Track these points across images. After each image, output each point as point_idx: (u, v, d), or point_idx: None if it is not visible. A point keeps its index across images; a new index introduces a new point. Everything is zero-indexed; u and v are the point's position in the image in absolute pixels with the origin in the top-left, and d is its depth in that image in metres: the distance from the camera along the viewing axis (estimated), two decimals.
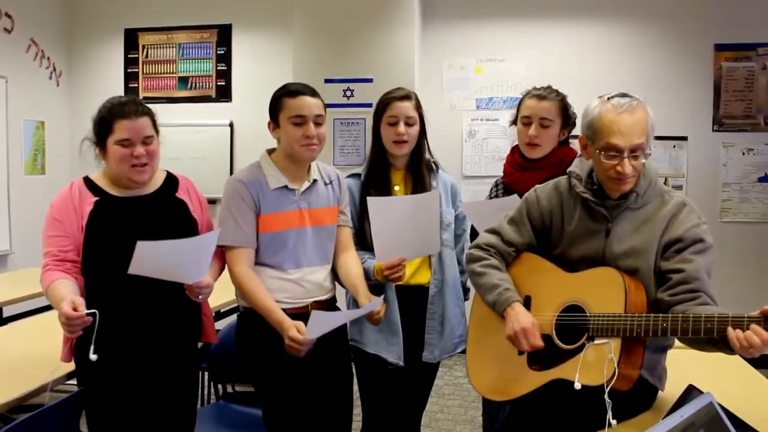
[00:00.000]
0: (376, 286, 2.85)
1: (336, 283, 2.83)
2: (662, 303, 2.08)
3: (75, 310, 2.21)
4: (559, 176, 2.41)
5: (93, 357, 2.28)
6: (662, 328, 1.97)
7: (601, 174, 2.17)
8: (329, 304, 2.77)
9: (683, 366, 2.06)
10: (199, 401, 3.18)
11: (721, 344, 1.94)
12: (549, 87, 3.00)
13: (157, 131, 2.56)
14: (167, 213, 2.60)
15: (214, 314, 2.96)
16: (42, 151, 6.52)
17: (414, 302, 2.96)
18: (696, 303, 2.02)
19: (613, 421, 1.94)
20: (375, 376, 3.00)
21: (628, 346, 2.03)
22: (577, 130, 3.02)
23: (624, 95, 2.14)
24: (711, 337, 1.94)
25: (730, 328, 1.87)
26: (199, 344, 2.77)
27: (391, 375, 2.97)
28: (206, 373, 3.59)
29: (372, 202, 2.74)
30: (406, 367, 2.93)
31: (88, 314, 2.23)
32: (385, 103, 2.96)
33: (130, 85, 6.79)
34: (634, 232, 2.18)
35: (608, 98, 2.15)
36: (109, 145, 2.48)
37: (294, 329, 2.43)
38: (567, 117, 2.97)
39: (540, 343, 2.17)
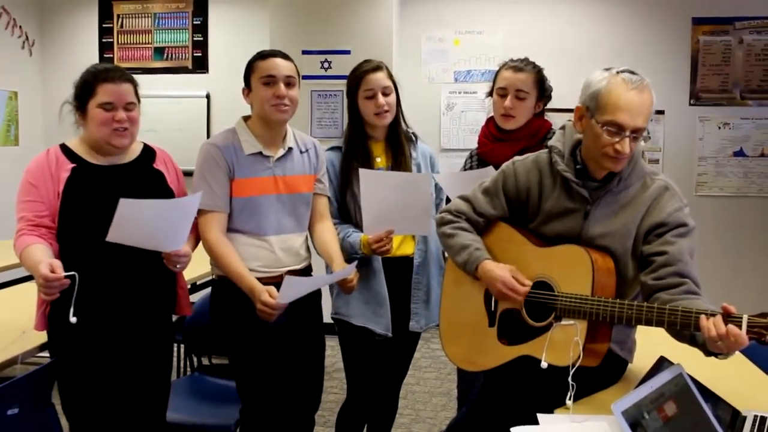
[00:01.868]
0: (362, 259, 2.86)
1: (312, 251, 2.84)
2: (646, 287, 2.05)
3: (52, 272, 2.19)
4: (533, 147, 2.38)
5: (73, 319, 2.27)
6: (627, 315, 1.96)
7: (596, 149, 2.09)
8: (304, 273, 2.77)
9: (656, 338, 2.08)
10: (175, 373, 3.18)
11: (693, 341, 1.93)
12: (526, 59, 2.99)
13: (138, 100, 2.55)
14: (144, 183, 2.58)
15: (189, 286, 2.95)
16: (15, 121, 6.43)
17: (399, 273, 2.98)
18: (681, 291, 1.97)
19: (569, 402, 1.94)
20: (361, 348, 3.00)
21: (595, 325, 2.04)
22: (554, 103, 3.06)
23: (632, 72, 2.06)
24: (682, 332, 1.94)
25: (702, 317, 1.81)
26: (174, 317, 2.75)
27: (376, 346, 2.98)
28: (182, 346, 3.58)
29: (363, 174, 2.74)
30: (391, 338, 2.95)
31: (66, 276, 2.22)
32: (359, 77, 2.94)
33: (105, 56, 6.69)
34: (613, 215, 2.14)
35: (617, 72, 2.06)
36: (90, 109, 2.46)
37: (266, 293, 2.44)
38: (543, 89, 2.96)
39: (528, 283, 2.17)
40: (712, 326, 1.78)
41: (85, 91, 2.47)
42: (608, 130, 2.03)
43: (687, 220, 2.09)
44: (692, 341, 1.95)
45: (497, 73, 3.00)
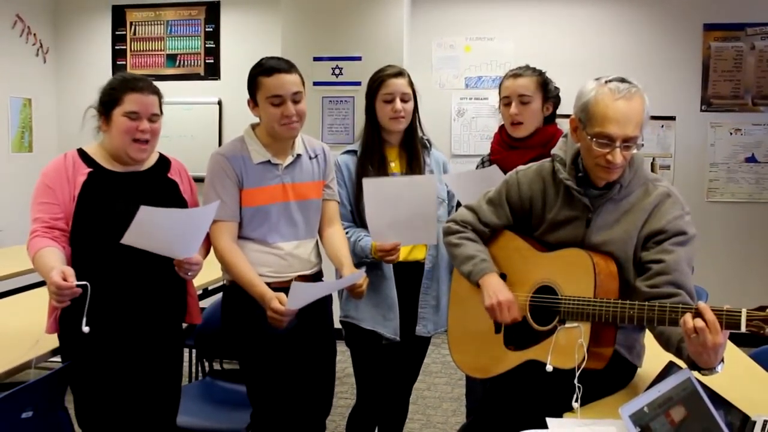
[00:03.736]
0: (373, 263, 2.88)
1: (323, 257, 2.84)
2: (640, 293, 2.05)
3: (65, 280, 2.20)
4: (547, 156, 2.39)
5: (85, 329, 2.28)
6: (629, 315, 1.97)
7: (590, 161, 2.10)
8: (314, 278, 2.78)
9: None
10: (186, 378, 3.19)
11: (679, 353, 1.96)
12: (526, 65, 3.01)
13: (161, 112, 2.57)
14: (159, 191, 2.61)
15: (200, 293, 2.96)
16: (29, 128, 6.48)
17: (410, 277, 3.00)
18: (675, 303, 1.95)
19: (576, 405, 1.95)
20: (370, 351, 3.02)
21: (599, 328, 2.05)
22: (564, 109, 3.05)
23: (623, 80, 2.04)
24: (670, 342, 1.98)
25: (688, 314, 1.82)
26: (184, 325, 2.77)
27: (385, 350, 2.99)
28: (193, 351, 3.59)
29: (367, 183, 2.76)
30: (399, 342, 2.96)
31: (78, 286, 2.22)
32: (380, 80, 2.97)
33: (117, 63, 6.73)
34: (615, 223, 2.15)
35: (605, 81, 2.04)
36: (114, 116, 2.48)
37: (276, 300, 2.45)
38: (547, 90, 2.96)
39: (518, 315, 2.19)
40: (689, 319, 1.80)
41: (111, 97, 2.49)
42: (598, 142, 2.03)
43: (687, 228, 2.09)
44: (678, 353, 1.97)
45: (500, 85, 3.02)
